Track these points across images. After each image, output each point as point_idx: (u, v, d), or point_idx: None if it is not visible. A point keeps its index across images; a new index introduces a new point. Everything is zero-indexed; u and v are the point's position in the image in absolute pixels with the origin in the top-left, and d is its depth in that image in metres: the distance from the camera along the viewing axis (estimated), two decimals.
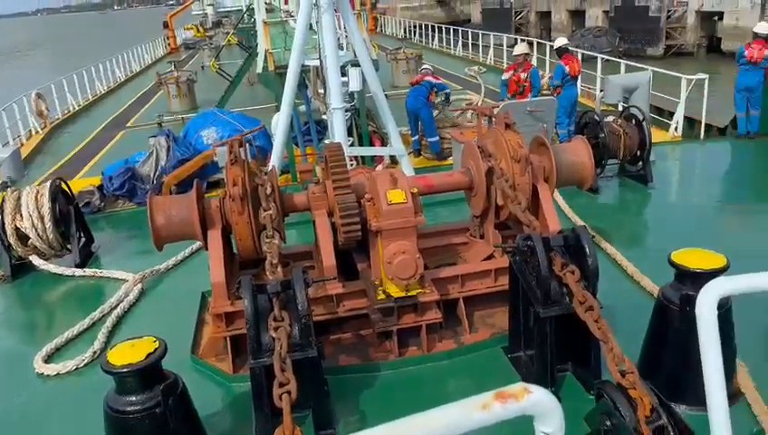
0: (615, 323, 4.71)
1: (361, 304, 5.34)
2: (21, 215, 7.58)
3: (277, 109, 9.00)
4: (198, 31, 45.68)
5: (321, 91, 8.89)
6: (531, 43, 19.99)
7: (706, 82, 11.51)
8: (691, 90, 11.64)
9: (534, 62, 18.38)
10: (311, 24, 8.35)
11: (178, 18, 45.78)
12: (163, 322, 6.16)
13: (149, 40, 40.80)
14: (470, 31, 27.87)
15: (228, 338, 5.19)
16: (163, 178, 10.41)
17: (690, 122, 12.27)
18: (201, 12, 46.36)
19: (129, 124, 18.97)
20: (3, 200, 7.73)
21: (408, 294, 5.06)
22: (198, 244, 7.52)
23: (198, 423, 3.93)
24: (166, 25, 45.08)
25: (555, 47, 12.03)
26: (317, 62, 8.60)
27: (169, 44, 43.98)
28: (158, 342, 3.65)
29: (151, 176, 10.65)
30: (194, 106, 19.76)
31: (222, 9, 41.80)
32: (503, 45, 23.31)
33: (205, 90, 20.87)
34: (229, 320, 5.18)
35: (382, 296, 5.10)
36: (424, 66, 12.77)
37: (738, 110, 11.24)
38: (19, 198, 7.68)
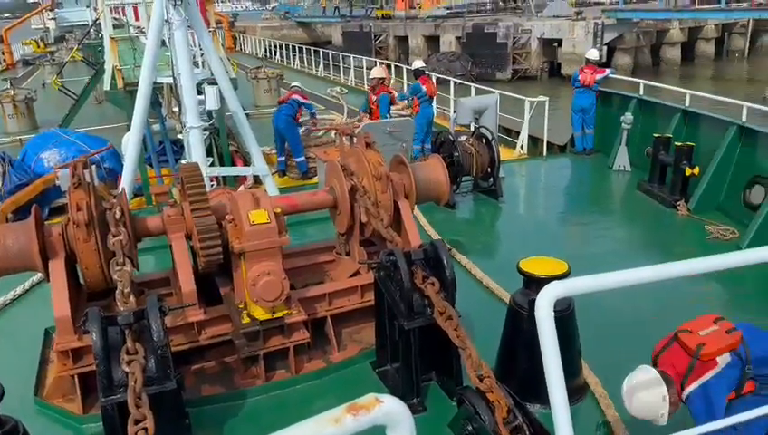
0: (473, 331, 4.97)
1: (225, 330, 5.15)
2: None
3: (128, 128, 8.50)
4: (39, 46, 42.13)
5: (176, 109, 8.55)
6: (389, 66, 20.69)
7: (546, 103, 12.56)
8: (534, 111, 12.64)
9: (393, 83, 19.05)
10: (163, 41, 8.01)
11: (16, 32, 41.96)
12: (2, 363, 5.55)
13: None
14: (330, 52, 28.24)
15: (76, 376, 4.77)
16: None
17: (534, 141, 13.30)
18: (42, 26, 42.87)
19: None
20: None
21: (275, 316, 4.97)
22: (39, 275, 6.91)
23: None
24: (1, 40, 41.10)
25: (413, 69, 12.54)
26: (170, 80, 8.26)
27: (5, 60, 40.12)
28: None
29: None
30: (34, 126, 18.13)
31: (66, 24, 38.95)
32: (362, 67, 23.88)
33: (46, 109, 19.25)
34: (77, 356, 4.77)
35: (247, 320, 4.96)
36: (293, 84, 12.71)
37: (575, 129, 12.36)
38: None
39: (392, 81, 19.16)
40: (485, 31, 40.10)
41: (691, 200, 8.74)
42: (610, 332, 5.55)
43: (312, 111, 12.33)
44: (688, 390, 3.10)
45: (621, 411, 4.62)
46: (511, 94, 13.48)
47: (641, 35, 39.41)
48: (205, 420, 4.60)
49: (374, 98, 11.83)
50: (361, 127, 9.93)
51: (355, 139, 6.22)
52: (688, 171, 8.72)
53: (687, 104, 10.03)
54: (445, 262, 4.57)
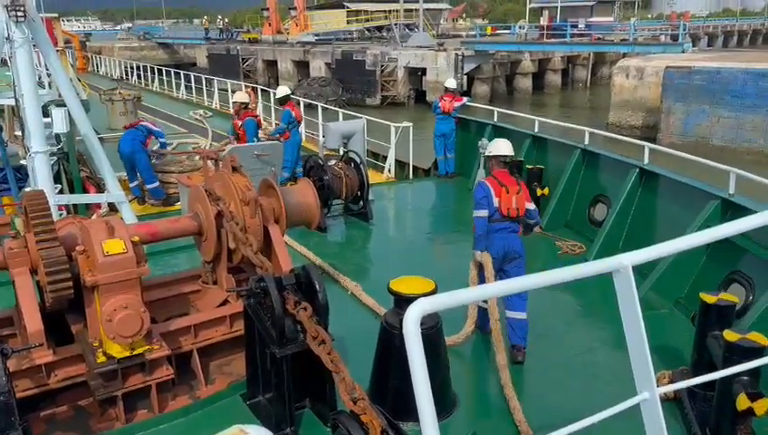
0: (348, 353, 4.96)
1: (78, 371, 4.74)
2: None
3: None
4: None
5: (19, 133, 7.83)
6: (255, 90, 20.43)
7: (411, 129, 13.02)
8: (400, 136, 13.06)
9: (260, 108, 18.84)
10: (4, 60, 7.34)
11: None
12: None
13: None
14: (192, 75, 27.36)
15: None
16: None
17: (401, 165, 13.72)
18: None
19: None
20: None
21: (134, 352, 4.65)
22: None
23: None
24: None
25: (278, 96, 12.44)
26: (12, 101, 7.56)
27: None
28: None
29: None
30: None
31: None
32: (227, 90, 23.39)
33: None
34: None
35: (103, 359, 4.59)
36: (141, 114, 12.06)
37: (437, 153, 12.92)
38: None
39: (258, 104, 18.99)
40: (354, 58, 41.08)
41: (542, 219, 9.43)
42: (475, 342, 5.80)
43: (162, 138, 11.79)
44: None
45: (493, 423, 4.85)
46: (377, 120, 13.84)
47: (497, 66, 42.33)
48: None
49: (239, 123, 11.60)
50: (227, 150, 9.68)
51: (220, 163, 6.04)
52: (539, 192, 9.41)
53: (536, 130, 10.85)
54: (317, 286, 4.54)
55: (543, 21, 49.85)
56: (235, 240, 5.29)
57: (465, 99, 13.28)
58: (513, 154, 6.13)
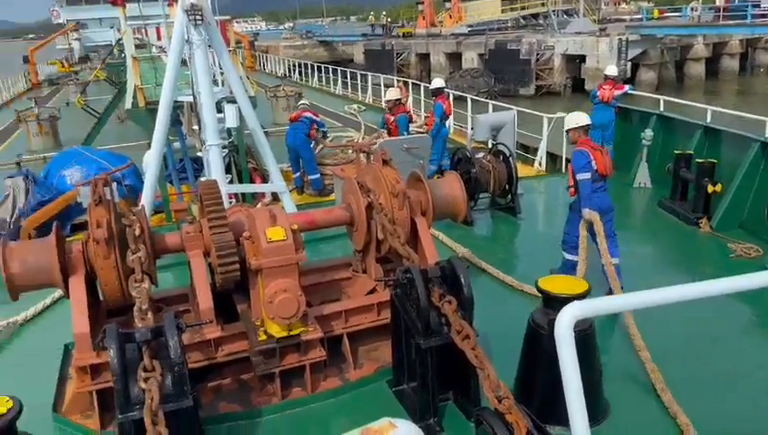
0: (492, 350, 4.90)
1: (242, 347, 5.15)
2: None
3: (149, 146, 8.62)
4: (63, 66, 43.05)
5: (196, 127, 8.64)
6: (407, 84, 20.76)
7: (565, 120, 12.47)
8: (553, 127, 12.57)
9: (411, 101, 19.10)
10: (184, 60, 8.14)
11: (41, 53, 42.97)
12: (21, 379, 5.60)
13: (7, 75, 37.80)
14: (348, 70, 28.47)
15: (94, 392, 4.79)
16: (21, 223, 9.56)
17: (553, 157, 13.22)
18: (66, 46, 43.84)
19: None
20: None
21: (291, 333, 4.95)
22: (60, 292, 6.98)
23: None
24: (26, 60, 42.09)
25: (431, 88, 12.55)
26: (190, 98, 8.37)
27: (30, 80, 41.06)
28: (11, 401, 3.31)
29: (8, 220, 9.74)
30: (57, 144, 18.46)
31: (90, 44, 39.81)
32: (380, 85, 24.02)
33: (70, 127, 19.60)
34: (95, 373, 4.78)
35: (263, 338, 4.95)
36: (302, 102, 12.80)
37: None
38: None
39: (410, 99, 19.26)
40: (508, 48, 40.28)
41: (713, 218, 8.60)
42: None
43: (324, 128, 12.38)
44: None
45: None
46: (529, 111, 13.44)
47: (665, 51, 39.31)
48: None
49: (392, 119, 11.84)
50: (378, 144, 9.95)
51: (372, 156, 6.23)
52: (710, 188, 8.59)
53: (709, 120, 9.91)
54: (462, 280, 4.53)
55: (719, 1, 45.21)
56: (384, 231, 5.43)
57: (626, 87, 12.48)
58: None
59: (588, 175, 6.53)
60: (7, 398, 3.36)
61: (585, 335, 4.33)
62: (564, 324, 1.54)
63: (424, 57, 48.67)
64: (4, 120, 24.71)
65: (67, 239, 5.11)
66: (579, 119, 6.96)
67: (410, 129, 12.05)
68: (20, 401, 3.36)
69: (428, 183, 5.87)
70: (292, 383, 5.16)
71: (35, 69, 41.41)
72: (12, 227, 9.68)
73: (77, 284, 4.82)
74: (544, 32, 44.17)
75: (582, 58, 37.80)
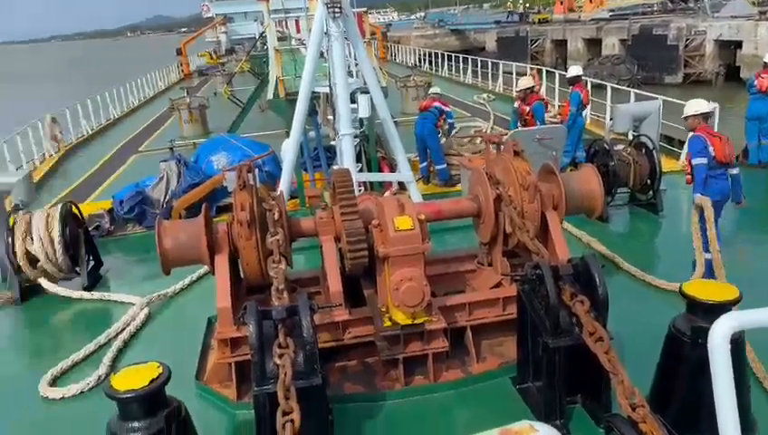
0: (626, 354, 4.65)
1: (367, 332, 5.29)
2: (31, 238, 7.62)
3: (287, 135, 9.06)
4: (212, 58, 46.34)
5: (331, 117, 8.95)
6: (540, 71, 20.11)
7: (717, 111, 11.47)
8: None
9: (544, 90, 18.48)
10: (321, 52, 8.44)
11: (192, 45, 46.49)
12: (169, 346, 6.13)
13: (163, 66, 41.36)
14: (479, 59, 28.08)
15: (233, 364, 5.15)
16: (173, 203, 10.46)
17: None
18: (215, 39, 47.04)
19: (140, 149, 19.14)
20: (13, 223, 7.78)
21: (415, 321, 5.01)
22: (205, 268, 7.56)
23: None
24: (179, 52, 45.75)
25: (569, 76, 12.06)
26: (327, 89, 8.67)
27: (182, 71, 44.60)
28: (161, 367, 3.62)
29: (161, 200, 10.69)
30: (205, 131, 19.94)
31: (235, 36, 42.39)
32: (512, 73, 23.47)
33: (216, 115, 21.09)
34: (234, 346, 5.14)
35: (388, 324, 5.05)
36: (432, 90, 12.79)
37: (749, 139, 11.19)
38: (30, 221, 7.73)
39: (543, 87, 18.64)
40: (654, 33, 37.76)
41: None
42: None
43: (451, 119, 12.29)
44: None
45: None
46: (676, 100, 12.49)
47: None
48: (345, 418, 4.74)
49: (527, 108, 11.50)
50: (509, 134, 9.74)
51: (502, 146, 6.10)
52: None
53: None
54: (597, 279, 4.33)
55: None
56: (512, 224, 5.31)
57: None
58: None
59: (704, 160, 6.57)
60: (158, 364, 3.67)
61: (736, 346, 3.97)
62: (719, 335, 1.42)
63: (560, 44, 46.87)
64: (159, 108, 27.10)
65: (213, 221, 5.50)
66: (698, 105, 6.99)
67: (545, 118, 11.65)
68: (169, 368, 3.66)
69: (562, 176, 5.66)
70: (415, 371, 5.22)
71: (187, 60, 44.92)
72: (164, 206, 10.62)
73: (222, 262, 5.20)
74: (695, 16, 40.79)
75: (738, 44, 34.49)
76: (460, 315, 5.48)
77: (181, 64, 45.31)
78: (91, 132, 22.26)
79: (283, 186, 8.66)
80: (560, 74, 17.79)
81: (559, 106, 16.29)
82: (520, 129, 10.86)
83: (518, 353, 5.01)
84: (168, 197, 10.77)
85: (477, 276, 6.22)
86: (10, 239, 7.65)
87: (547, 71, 20.84)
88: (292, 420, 3.31)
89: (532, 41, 48.73)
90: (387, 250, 4.90)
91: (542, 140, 9.36)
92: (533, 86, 12.03)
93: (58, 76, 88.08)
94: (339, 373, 5.28)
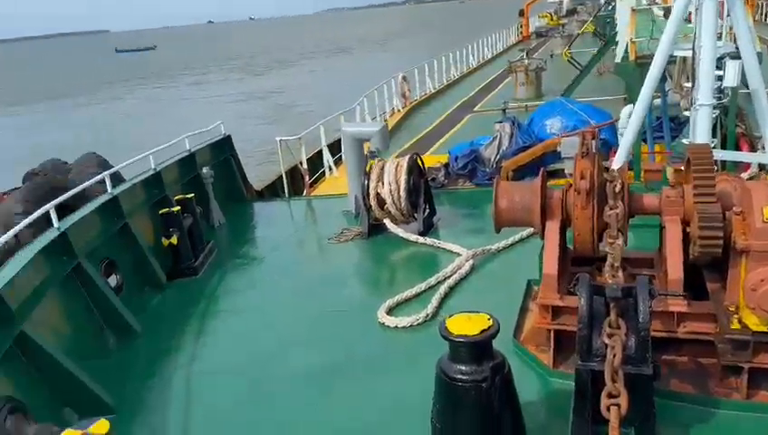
0: None
1: (707, 329, 4.72)
2: (382, 182, 8.65)
3: (625, 101, 8.47)
4: (552, 19, 45.80)
5: (687, 84, 8.03)
6: None
7: None
8: None
9: None
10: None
11: (533, 7, 46.54)
12: (489, 300, 6.40)
13: (503, 28, 42.35)
14: None
15: (552, 331, 5.13)
16: (502, 163, 10.76)
17: None
18: (557, 0, 46.30)
19: (476, 109, 20.10)
20: (370, 168, 8.91)
21: None
22: (528, 231, 7.64)
23: (518, 408, 3.97)
24: (521, 13, 46.30)
25: None
26: (686, 53, 7.77)
27: (521, 32, 45.07)
28: (492, 320, 3.76)
29: (492, 160, 11.11)
30: (538, 94, 19.94)
31: None
32: None
33: (551, 78, 20.87)
34: (555, 313, 5.10)
35: (737, 326, 4.42)
36: None
37: None
38: (383, 168, 8.76)
39: None
40: None
41: None
42: None
43: None
44: None
45: None
46: None
47: None
48: (668, 416, 4.35)
49: None
50: None
51: None
52: None
53: None
54: None
55: None
56: None
57: None
58: None
59: None
60: (488, 316, 3.82)
61: None
62: None
63: None
64: (496, 70, 27.95)
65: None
66: None
67: None
68: (498, 323, 3.78)
69: None
70: (762, 385, 4.50)
71: (527, 22, 45.20)
72: (494, 166, 11.01)
73: (553, 228, 5.15)
74: None
75: None
76: None
77: (521, 26, 45.84)
78: (433, 91, 24.16)
79: (620, 157, 8.16)
80: None
81: None
82: None
83: None
84: (498, 157, 11.13)
85: None
86: (366, 182, 8.79)
87: None
88: (618, 405, 3.16)
89: None
90: (748, 242, 4.24)
91: None
92: None
93: (413, 39, 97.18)
94: (666, 367, 4.85)
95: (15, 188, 11.07)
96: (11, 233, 6.21)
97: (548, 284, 5.11)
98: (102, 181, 7.66)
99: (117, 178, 8.21)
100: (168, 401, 5.42)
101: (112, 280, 7.18)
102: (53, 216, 6.38)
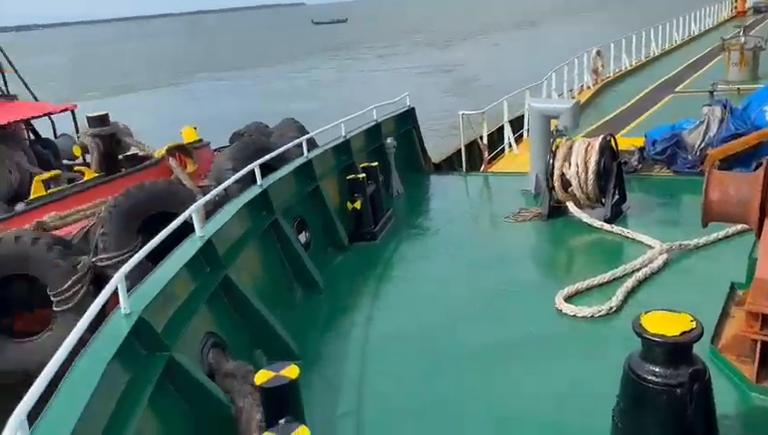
0: None
1: None
2: (569, 163, 8.23)
3: None
4: None
5: None
6: None
7: None
8: None
9: None
10: None
11: None
12: (684, 300, 5.81)
13: (715, 2, 37.94)
14: None
15: (759, 342, 4.56)
16: (708, 151, 9.70)
17: None
18: None
19: (678, 89, 18.31)
20: (557, 147, 8.52)
21: None
22: (735, 228, 6.83)
23: (714, 422, 3.59)
24: None
25: None
26: None
27: (736, 7, 40.10)
28: (695, 322, 3.41)
29: (696, 146, 10.06)
30: (754, 77, 17.62)
31: None
32: None
33: None
34: (765, 322, 4.52)
35: None
36: None
37: None
38: (571, 147, 8.33)
39: None
40: None
41: None
42: None
43: None
44: None
45: None
46: None
47: None
48: None
49: None
50: None
51: None
52: None
53: None
54: None
55: None
56: None
57: None
58: None
59: None
60: (691, 318, 3.45)
61: None
62: None
63: None
64: (704, 47, 25.21)
65: None
66: None
67: None
68: (702, 326, 3.41)
69: None
70: None
71: None
72: (698, 153, 9.97)
73: None
74: None
75: None
76: None
77: (736, 0, 40.81)
78: (629, 68, 22.45)
79: None
80: None
81: None
82: None
83: None
84: (703, 143, 10.05)
85: None
86: (551, 161, 8.43)
87: None
88: None
89: None
90: None
91: None
92: None
93: (602, 13, 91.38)
94: None
95: (225, 147, 12.35)
96: (221, 187, 6.93)
97: (760, 288, 4.53)
98: (299, 145, 8.20)
99: (311, 144, 8.75)
100: (345, 357, 5.70)
101: (302, 237, 7.71)
102: (258, 174, 6.97)
